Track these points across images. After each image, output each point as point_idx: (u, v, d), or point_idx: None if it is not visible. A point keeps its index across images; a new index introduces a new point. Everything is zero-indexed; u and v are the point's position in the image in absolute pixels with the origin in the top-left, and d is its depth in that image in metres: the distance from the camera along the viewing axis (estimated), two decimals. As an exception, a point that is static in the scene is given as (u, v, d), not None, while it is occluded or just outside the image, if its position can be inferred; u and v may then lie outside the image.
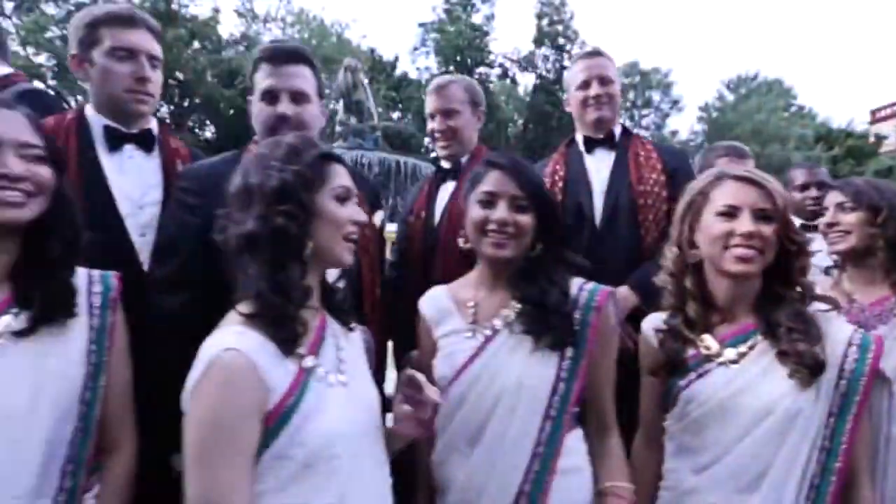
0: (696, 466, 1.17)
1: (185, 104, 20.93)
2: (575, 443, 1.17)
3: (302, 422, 0.89)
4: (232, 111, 19.68)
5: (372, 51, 25.23)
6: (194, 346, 1.26)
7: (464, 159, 1.80)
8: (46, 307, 0.97)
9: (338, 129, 8.71)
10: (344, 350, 1.05)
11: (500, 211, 1.17)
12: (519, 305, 1.18)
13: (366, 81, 9.57)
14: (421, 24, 24.31)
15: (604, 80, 2.00)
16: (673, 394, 1.21)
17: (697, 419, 1.16)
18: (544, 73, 24.42)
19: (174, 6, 19.88)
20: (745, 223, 1.12)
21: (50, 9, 18.30)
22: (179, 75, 20.06)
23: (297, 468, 0.88)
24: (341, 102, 8.84)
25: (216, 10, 20.91)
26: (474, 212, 1.20)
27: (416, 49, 24.56)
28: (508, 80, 25.43)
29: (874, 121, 28.73)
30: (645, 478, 1.25)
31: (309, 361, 0.96)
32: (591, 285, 1.21)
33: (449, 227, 1.72)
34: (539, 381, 1.13)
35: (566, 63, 24.51)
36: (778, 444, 1.08)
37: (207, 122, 21.97)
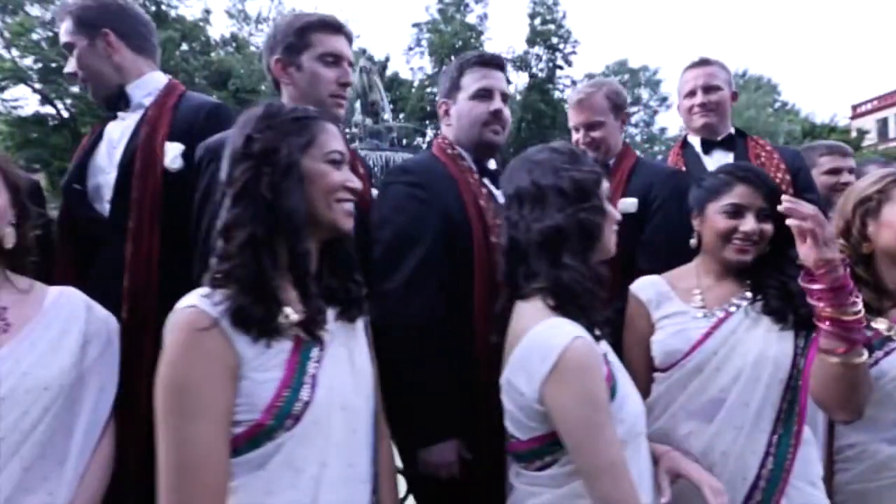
0: (892, 437, 1.30)
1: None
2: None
3: (622, 400, 1.00)
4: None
5: (363, 51, 25.17)
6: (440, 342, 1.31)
7: (611, 161, 1.89)
8: (354, 308, 1.05)
9: (354, 130, 8.72)
10: None
11: (749, 223, 1.28)
12: (749, 294, 1.31)
13: (380, 83, 9.64)
14: (415, 24, 24.36)
15: (709, 89, 2.12)
16: None
17: (891, 392, 1.29)
18: (537, 72, 24.63)
19: (163, 7, 19.59)
20: None
21: (35, 10, 17.87)
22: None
23: None
24: (357, 103, 8.88)
25: (207, 12, 20.65)
26: (719, 221, 1.31)
27: (410, 49, 24.58)
28: (501, 80, 25.57)
29: (855, 116, 29.65)
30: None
31: (604, 345, 1.05)
32: None
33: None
34: (782, 354, 1.24)
35: (559, 62, 24.80)
36: None
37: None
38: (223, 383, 0.84)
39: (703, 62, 2.18)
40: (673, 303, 1.37)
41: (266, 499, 0.86)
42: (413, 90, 24.10)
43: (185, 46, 19.91)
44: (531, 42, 24.23)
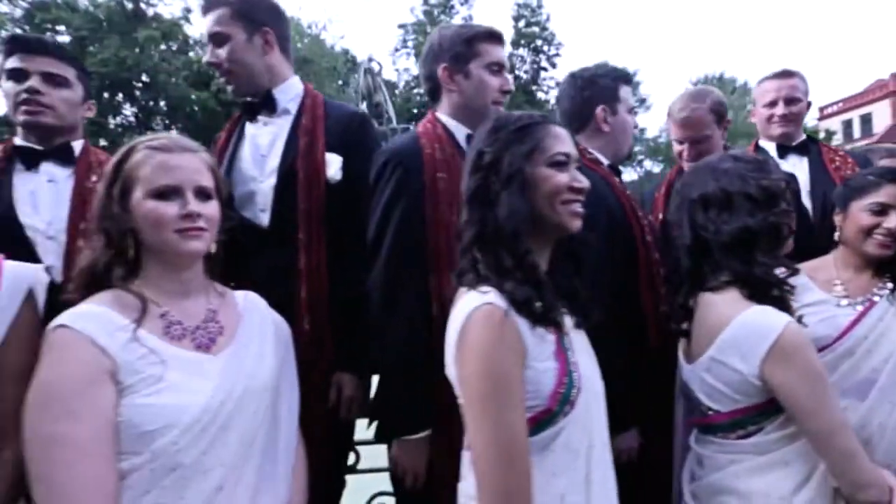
0: None
1: (151, 104, 20.09)
2: None
3: None
4: (203, 112, 18.96)
5: (346, 52, 25.04)
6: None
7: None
8: (583, 307, 1.14)
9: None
10: None
11: (893, 220, 1.42)
12: (890, 284, 1.46)
13: (384, 85, 9.65)
14: (401, 26, 24.38)
15: (791, 101, 2.25)
16: None
17: None
18: (522, 74, 24.94)
19: (142, 5, 19.06)
20: None
21: (4, 7, 17.22)
22: (145, 77, 19.25)
23: None
24: (363, 105, 8.88)
25: (188, 11, 20.17)
26: (863, 218, 1.46)
27: (396, 50, 24.57)
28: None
29: (822, 117, 31.01)
30: None
31: None
32: None
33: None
34: None
35: (543, 64, 25.18)
36: None
37: (179, 123, 21.08)
38: (522, 373, 0.93)
39: (787, 74, 2.31)
40: (813, 293, 1.51)
41: (553, 479, 0.95)
42: (398, 92, 24.07)
43: (162, 46, 19.41)
44: (516, 44, 24.54)
